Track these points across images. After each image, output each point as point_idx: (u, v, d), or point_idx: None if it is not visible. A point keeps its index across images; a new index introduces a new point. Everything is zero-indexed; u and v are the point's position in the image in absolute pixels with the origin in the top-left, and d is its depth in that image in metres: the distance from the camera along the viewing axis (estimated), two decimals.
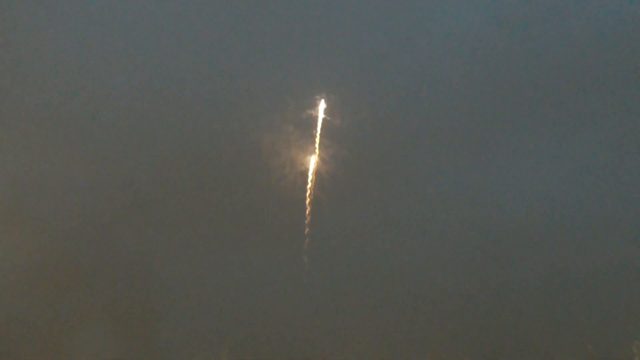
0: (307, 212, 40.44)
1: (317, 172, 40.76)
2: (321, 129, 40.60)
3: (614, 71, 41.79)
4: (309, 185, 40.62)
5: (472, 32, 42.11)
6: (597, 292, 40.51)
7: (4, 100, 41.91)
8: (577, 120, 41.96)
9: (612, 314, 40.51)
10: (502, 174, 41.28)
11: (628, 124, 41.28)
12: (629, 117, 41.29)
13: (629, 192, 40.80)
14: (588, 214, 41.09)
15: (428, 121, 41.11)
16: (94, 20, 41.72)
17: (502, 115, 41.78)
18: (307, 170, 40.87)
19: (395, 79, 41.38)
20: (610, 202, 41.32)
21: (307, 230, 40.55)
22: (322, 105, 40.33)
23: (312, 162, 40.70)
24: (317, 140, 40.63)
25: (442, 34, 42.03)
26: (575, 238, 41.16)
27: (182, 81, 42.53)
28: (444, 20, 42.10)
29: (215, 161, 42.12)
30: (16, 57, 41.50)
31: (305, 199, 40.73)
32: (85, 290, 41.96)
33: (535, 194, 41.43)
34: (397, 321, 41.13)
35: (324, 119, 40.44)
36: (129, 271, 42.11)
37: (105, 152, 42.47)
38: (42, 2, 41.14)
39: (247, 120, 41.58)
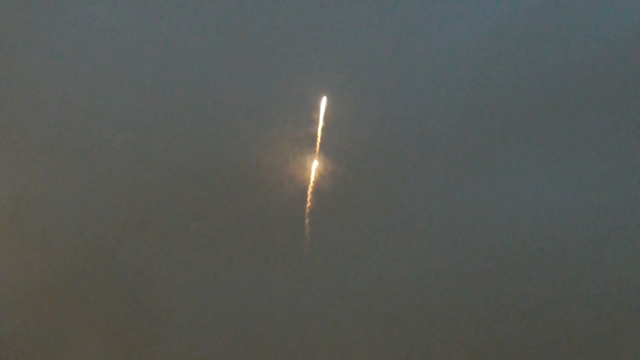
0: (307, 228, 40.28)
1: (317, 187, 40.58)
2: (321, 144, 40.39)
3: (615, 85, 41.40)
4: (308, 198, 40.44)
5: (474, 46, 41.76)
6: (600, 309, 40.11)
7: (3, 117, 41.88)
8: (578, 135, 41.53)
9: (618, 332, 40.23)
10: (505, 189, 41.09)
11: (632, 139, 40.90)
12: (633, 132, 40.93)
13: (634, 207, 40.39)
14: (592, 229, 40.61)
15: (428, 137, 40.81)
16: (93, 37, 41.57)
17: (505, 130, 41.42)
18: (306, 186, 40.71)
19: (395, 95, 41.07)
20: (615, 218, 40.81)
21: (307, 244, 40.38)
22: (321, 120, 40.13)
23: (312, 176, 40.52)
24: (317, 154, 40.43)
25: (443, 48, 41.69)
26: (579, 254, 40.74)
27: (181, 97, 42.34)
28: (445, 35, 41.79)
29: (214, 177, 41.94)
30: (16, 73, 41.45)
31: (305, 214, 40.59)
32: (84, 307, 41.85)
33: (540, 209, 41.00)
34: (398, 338, 40.91)
35: (323, 135, 40.21)
36: (128, 288, 41.97)
37: (104, 169, 42.28)
38: (43, 20, 41.04)
39: (245, 136, 41.39)
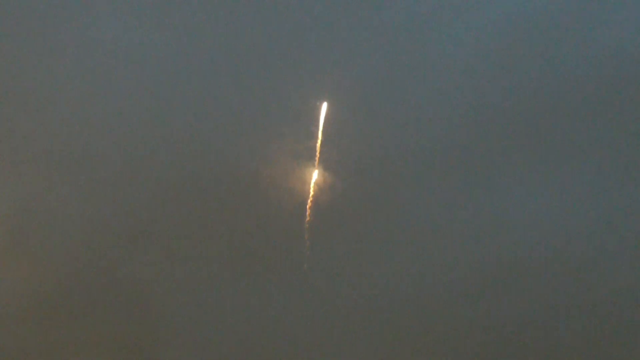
0: (306, 243, 40.15)
1: (316, 201, 40.41)
2: (320, 158, 40.18)
3: (625, 97, 40.93)
4: (307, 212, 40.28)
5: (478, 56, 41.42)
6: (600, 324, 39.77)
7: (3, 128, 41.98)
8: (584, 148, 41.11)
9: (624, 344, 39.94)
10: (509, 202, 40.82)
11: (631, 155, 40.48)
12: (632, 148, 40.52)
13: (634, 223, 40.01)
14: (598, 242, 40.31)
15: (429, 150, 40.54)
16: (95, 48, 41.52)
17: (509, 142, 41.12)
18: (305, 199, 40.55)
19: (396, 107, 40.79)
20: (622, 231, 40.39)
21: (306, 260, 40.26)
22: (320, 134, 39.92)
23: (311, 190, 40.35)
24: (316, 167, 40.25)
25: (447, 57, 41.39)
26: (584, 267, 40.44)
27: (181, 110, 42.22)
28: (449, 45, 41.46)
29: (214, 190, 41.87)
30: (18, 85, 41.54)
31: (304, 230, 40.45)
32: (85, 319, 41.98)
33: (545, 222, 40.70)
34: (399, 352, 40.79)
35: (322, 148, 40.01)
36: (130, 300, 42.04)
37: (105, 181, 42.28)
38: (44, 32, 41.08)
39: (245, 149, 41.27)
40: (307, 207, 40.19)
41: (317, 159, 40.09)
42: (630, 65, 40.45)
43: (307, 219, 40.10)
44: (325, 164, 40.31)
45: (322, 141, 39.88)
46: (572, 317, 39.91)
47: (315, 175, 40.24)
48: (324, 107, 39.97)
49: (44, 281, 41.60)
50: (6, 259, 41.83)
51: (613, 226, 40.08)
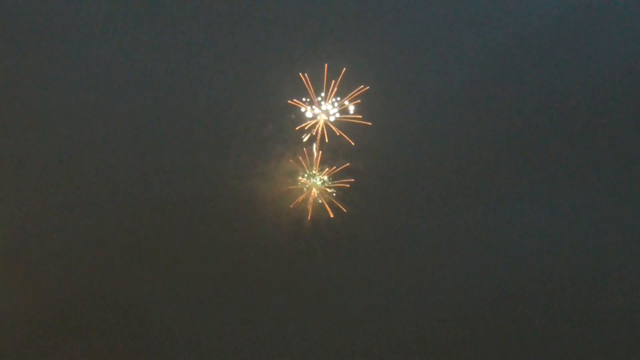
0: (306, 261, 40.24)
1: (315, 220, 40.55)
2: (320, 179, 40.40)
3: (625, 123, 41.38)
4: (307, 228, 40.36)
5: (478, 80, 41.71)
6: (607, 342, 40.06)
7: (3, 152, 42.03)
8: (582, 171, 41.22)
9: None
10: (509, 224, 40.99)
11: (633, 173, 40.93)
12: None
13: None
14: (596, 264, 40.60)
15: (429, 174, 40.74)
16: (94, 73, 41.57)
17: (508, 167, 41.35)
18: (305, 217, 40.69)
19: (394, 128, 40.90)
20: (619, 253, 40.58)
21: (307, 279, 40.34)
22: (319, 153, 40.14)
23: (310, 208, 40.50)
24: (315, 189, 40.41)
25: (448, 79, 41.68)
26: (583, 288, 40.70)
27: (179, 131, 42.33)
28: (450, 66, 41.84)
29: (210, 211, 41.95)
30: (16, 109, 41.62)
31: (304, 248, 40.59)
32: (83, 342, 41.73)
33: (544, 245, 40.90)
34: None
35: (321, 169, 40.23)
36: (128, 323, 41.83)
37: (104, 205, 42.28)
38: (45, 57, 41.26)
39: (242, 168, 41.39)
40: (306, 227, 40.39)
41: (317, 179, 40.35)
42: (626, 88, 41.11)
43: (306, 240, 40.32)
44: (325, 185, 40.58)
45: (320, 159, 40.14)
46: (569, 333, 40.22)
47: (314, 195, 40.45)
48: (324, 127, 40.14)
49: (41, 299, 41.44)
50: (4, 277, 41.70)
51: (613, 248, 40.42)
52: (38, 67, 41.14)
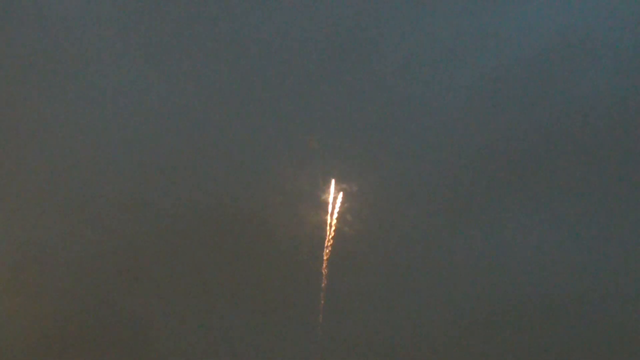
0: (322, 281, 40.91)
1: (332, 248, 41.21)
2: (333, 203, 41.09)
3: (624, 142, 42.88)
4: (325, 251, 41.03)
5: (472, 102, 42.71)
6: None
7: (5, 168, 40.98)
8: (579, 189, 42.45)
9: None
10: (511, 243, 42.19)
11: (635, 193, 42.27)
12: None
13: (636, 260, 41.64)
14: (594, 281, 41.54)
15: (432, 199, 41.88)
16: (99, 93, 40.99)
17: (506, 187, 42.57)
18: (322, 239, 41.27)
19: (396, 156, 41.85)
20: (617, 270, 41.86)
21: (320, 299, 41.10)
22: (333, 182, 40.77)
23: (327, 232, 41.13)
24: (331, 215, 41.07)
25: (444, 101, 42.59)
26: (581, 306, 41.69)
27: (186, 147, 42.16)
28: (445, 90, 42.69)
29: (220, 228, 42.13)
30: (19, 131, 40.56)
31: (319, 267, 41.13)
32: (83, 355, 41.86)
33: (542, 262, 42.08)
34: None
35: (335, 198, 40.91)
36: (128, 336, 42.09)
37: (106, 217, 42.00)
38: (48, 81, 40.14)
39: (253, 187, 41.66)
40: (324, 253, 40.83)
41: (331, 209, 40.80)
42: (619, 111, 42.42)
43: (325, 252, 40.54)
44: (340, 214, 41.00)
45: (335, 190, 40.57)
46: (572, 349, 41.09)
47: (329, 221, 40.94)
48: (334, 149, 40.59)
49: (43, 318, 41.19)
50: (6, 296, 41.20)
51: (611, 266, 41.31)
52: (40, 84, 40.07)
